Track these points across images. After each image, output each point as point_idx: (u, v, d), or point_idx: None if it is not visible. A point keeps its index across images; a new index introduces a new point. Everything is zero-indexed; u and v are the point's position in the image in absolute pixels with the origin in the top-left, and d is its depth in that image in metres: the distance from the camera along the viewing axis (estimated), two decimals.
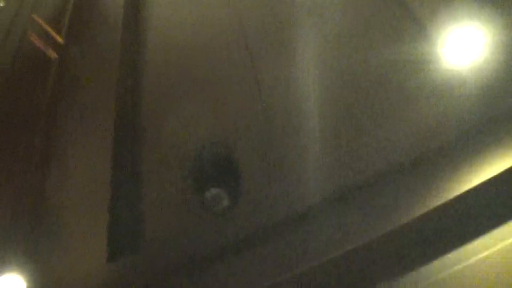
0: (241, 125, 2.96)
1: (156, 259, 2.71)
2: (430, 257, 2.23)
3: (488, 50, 2.38)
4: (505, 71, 2.31)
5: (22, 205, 3.48)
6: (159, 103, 3.63)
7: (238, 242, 2.52)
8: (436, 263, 2.22)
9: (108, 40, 4.31)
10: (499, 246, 2.16)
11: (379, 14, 2.97)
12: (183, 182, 2.73)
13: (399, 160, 2.34)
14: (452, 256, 2.20)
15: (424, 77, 2.55)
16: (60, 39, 4.97)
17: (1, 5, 6.19)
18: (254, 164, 2.75)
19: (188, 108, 3.36)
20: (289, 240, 2.41)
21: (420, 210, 2.19)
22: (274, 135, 2.84)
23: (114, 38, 4.20)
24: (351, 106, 2.68)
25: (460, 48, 2.42)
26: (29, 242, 3.20)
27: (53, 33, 4.95)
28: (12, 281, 2.96)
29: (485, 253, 2.16)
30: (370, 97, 2.66)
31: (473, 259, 2.16)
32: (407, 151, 2.35)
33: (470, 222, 2.22)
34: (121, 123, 3.47)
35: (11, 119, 4.47)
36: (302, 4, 3.38)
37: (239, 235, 2.53)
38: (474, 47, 2.40)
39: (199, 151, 2.68)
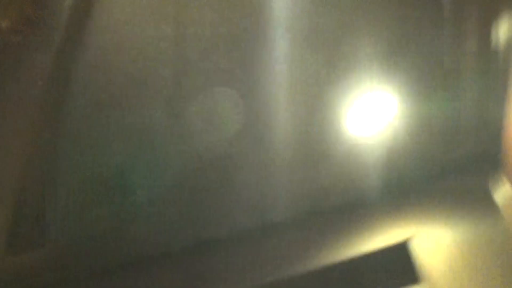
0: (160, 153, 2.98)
1: (59, 258, 2.69)
2: None
3: (399, 121, 2.42)
4: (413, 147, 2.35)
5: None
6: (86, 107, 3.58)
7: (142, 256, 2.52)
8: None
9: (50, 24, 4.20)
10: None
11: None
12: (93, 190, 2.72)
13: (283, 215, 2.35)
14: None
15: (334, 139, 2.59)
16: None
17: None
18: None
19: (115, 118, 3.33)
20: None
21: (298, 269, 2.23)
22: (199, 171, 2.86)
23: (57, 25, 4.10)
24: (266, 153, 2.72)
25: (371, 116, 2.45)
26: None
27: None
28: None
29: None
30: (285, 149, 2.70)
31: None
32: (297, 205, 2.36)
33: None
34: (44, 117, 3.40)
35: None
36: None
37: (143, 250, 2.54)
38: (385, 116, 2.43)
39: (115, 165, 2.66)
